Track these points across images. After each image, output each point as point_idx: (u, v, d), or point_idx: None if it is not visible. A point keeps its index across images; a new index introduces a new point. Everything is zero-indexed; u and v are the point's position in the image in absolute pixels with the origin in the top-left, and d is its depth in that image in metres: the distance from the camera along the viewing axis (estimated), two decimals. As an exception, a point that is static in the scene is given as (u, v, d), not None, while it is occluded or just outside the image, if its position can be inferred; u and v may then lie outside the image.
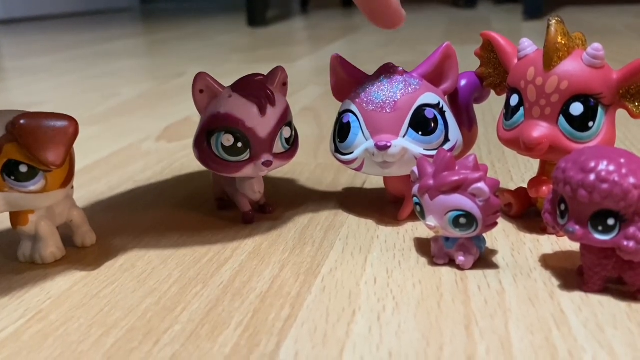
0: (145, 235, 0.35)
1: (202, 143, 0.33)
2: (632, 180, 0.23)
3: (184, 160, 0.49)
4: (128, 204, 0.40)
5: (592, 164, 0.24)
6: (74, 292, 0.29)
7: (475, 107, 0.38)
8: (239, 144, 0.32)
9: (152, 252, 0.33)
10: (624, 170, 0.23)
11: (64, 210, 0.32)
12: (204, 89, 0.33)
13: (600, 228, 0.24)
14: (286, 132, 0.34)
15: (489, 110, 0.59)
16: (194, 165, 0.34)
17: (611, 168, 0.23)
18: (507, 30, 1.29)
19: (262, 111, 0.32)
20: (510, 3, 1.93)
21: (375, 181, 0.42)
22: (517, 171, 0.43)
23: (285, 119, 0.33)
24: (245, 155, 0.32)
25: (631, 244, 0.24)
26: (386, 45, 1.18)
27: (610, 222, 0.24)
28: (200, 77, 0.32)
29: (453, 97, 0.36)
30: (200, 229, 0.36)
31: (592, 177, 0.24)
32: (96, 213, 0.39)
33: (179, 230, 0.36)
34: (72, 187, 0.33)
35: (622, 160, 0.24)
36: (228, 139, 0.32)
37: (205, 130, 0.32)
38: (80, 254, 0.33)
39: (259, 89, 0.32)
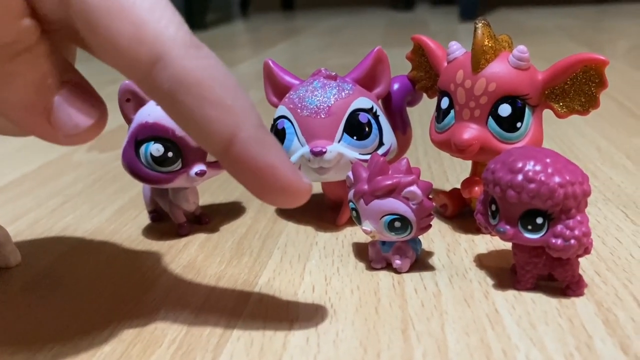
0: (74, 252, 0.34)
1: (131, 154, 0.31)
2: (557, 179, 0.24)
3: (116, 171, 0.48)
4: (57, 219, 0.39)
5: (520, 165, 0.24)
6: (-5, 317, 0.27)
7: (413, 108, 0.38)
8: (170, 154, 0.31)
9: (81, 270, 0.31)
10: (549, 170, 0.24)
11: (-17, 229, 0.31)
12: (130, 97, 0.31)
13: (529, 227, 0.25)
14: (220, 140, 0.33)
15: (426, 111, 0.59)
16: (127, 176, 0.32)
17: (538, 168, 0.24)
18: (444, 32, 1.31)
19: (193, 119, 0.31)
20: (447, 5, 1.97)
21: (314, 186, 0.41)
22: (453, 172, 0.43)
23: (218, 127, 0.32)
24: (177, 165, 0.31)
25: (559, 241, 0.24)
26: (326, 48, 1.18)
27: (539, 221, 0.24)
28: (125, 85, 0.31)
29: (386, 101, 0.36)
30: (133, 243, 0.34)
31: (520, 177, 0.24)
32: (22, 230, 0.37)
33: (110, 245, 0.34)
34: (-8, 205, 0.31)
35: (548, 160, 0.24)
36: (157, 149, 0.31)
37: (133, 140, 0.31)
38: (3, 275, 0.31)
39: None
